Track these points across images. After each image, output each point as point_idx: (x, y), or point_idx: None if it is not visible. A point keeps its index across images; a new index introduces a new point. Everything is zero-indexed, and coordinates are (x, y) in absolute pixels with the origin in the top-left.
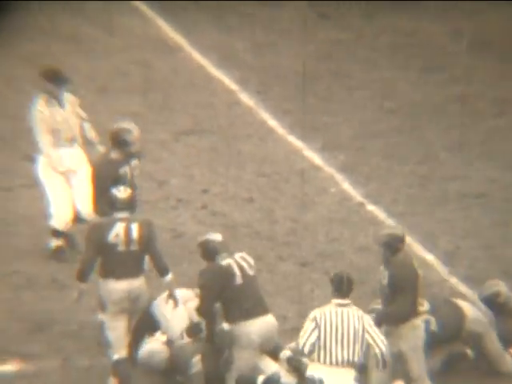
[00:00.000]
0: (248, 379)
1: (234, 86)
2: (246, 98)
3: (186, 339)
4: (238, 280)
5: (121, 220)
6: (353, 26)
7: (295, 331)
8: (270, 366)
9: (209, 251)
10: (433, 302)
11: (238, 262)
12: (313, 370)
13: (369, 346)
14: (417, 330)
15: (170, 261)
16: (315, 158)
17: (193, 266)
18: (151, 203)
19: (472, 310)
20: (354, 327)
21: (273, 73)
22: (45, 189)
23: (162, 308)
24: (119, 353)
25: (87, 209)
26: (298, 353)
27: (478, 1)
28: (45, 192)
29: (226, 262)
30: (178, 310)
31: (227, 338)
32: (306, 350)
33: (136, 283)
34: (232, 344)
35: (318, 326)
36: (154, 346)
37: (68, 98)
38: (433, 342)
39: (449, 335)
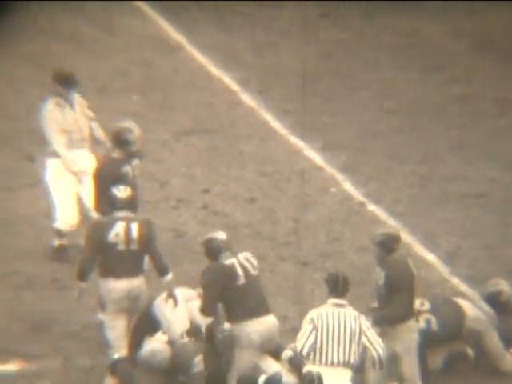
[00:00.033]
0: (249, 379)
1: (234, 86)
2: (247, 98)
3: (187, 339)
4: (241, 280)
5: (121, 219)
6: (353, 26)
7: (296, 331)
8: (271, 366)
9: (212, 250)
10: (433, 302)
11: (242, 262)
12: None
13: (365, 347)
14: (412, 331)
15: (171, 261)
16: (316, 158)
17: (194, 266)
18: (152, 203)
19: (472, 309)
20: (351, 328)
21: (273, 73)
22: (51, 190)
23: (163, 308)
24: (119, 352)
25: None
26: (297, 354)
27: (479, 1)
28: (50, 194)
29: (229, 261)
30: (178, 310)
31: (227, 338)
32: (305, 352)
33: (136, 282)
34: (233, 344)
35: (315, 327)
36: (155, 345)
37: (77, 99)
38: (433, 341)
39: (449, 334)
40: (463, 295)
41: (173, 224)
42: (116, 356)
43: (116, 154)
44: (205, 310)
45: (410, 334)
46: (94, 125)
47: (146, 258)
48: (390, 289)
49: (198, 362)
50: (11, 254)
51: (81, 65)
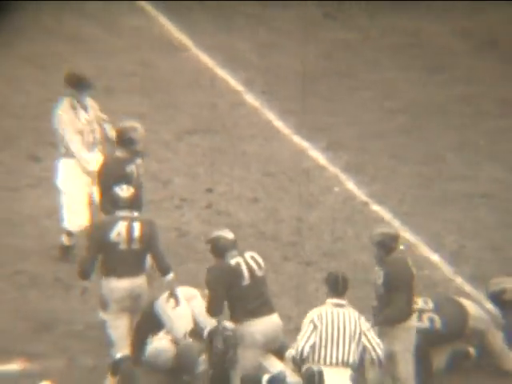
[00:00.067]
0: (253, 378)
1: (238, 87)
2: (250, 98)
3: (190, 339)
4: (246, 280)
5: (123, 219)
6: (355, 27)
7: (299, 331)
8: (275, 366)
9: (218, 248)
10: (436, 301)
11: (248, 261)
12: None
13: (365, 348)
14: (411, 331)
15: (174, 260)
16: (319, 158)
17: (197, 266)
18: (155, 203)
19: (475, 308)
20: (351, 328)
21: (277, 73)
22: (61, 191)
23: (165, 307)
24: (121, 351)
25: None
26: (296, 355)
27: (481, 1)
28: (61, 194)
29: (234, 260)
30: (180, 309)
31: (231, 337)
32: (306, 353)
33: (138, 282)
34: (237, 343)
35: (315, 327)
36: (160, 345)
37: (90, 101)
38: (437, 340)
39: (453, 333)
40: (467, 295)
41: (176, 223)
42: (118, 355)
43: (120, 154)
44: (211, 310)
45: (408, 334)
46: (108, 127)
47: (148, 258)
48: (389, 288)
49: (203, 362)
50: (15, 253)
51: (84, 65)
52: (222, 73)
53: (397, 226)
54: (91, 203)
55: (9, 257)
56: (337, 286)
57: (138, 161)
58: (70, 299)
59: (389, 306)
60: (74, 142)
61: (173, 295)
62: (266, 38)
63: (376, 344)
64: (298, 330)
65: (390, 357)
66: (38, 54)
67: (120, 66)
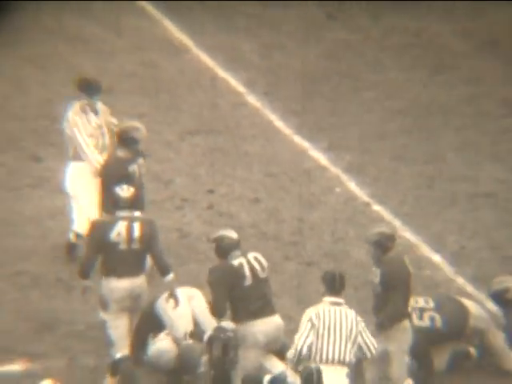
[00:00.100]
0: (254, 379)
1: (240, 87)
2: (252, 99)
3: (190, 340)
4: (248, 281)
5: (123, 219)
6: (359, 27)
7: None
8: (276, 366)
9: (222, 248)
10: (437, 300)
11: (251, 262)
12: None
13: (360, 347)
14: (406, 332)
15: (175, 261)
16: (321, 159)
17: (199, 266)
18: (157, 203)
19: (476, 308)
20: (347, 327)
21: (279, 74)
22: (70, 194)
23: (166, 307)
24: (121, 351)
25: None
26: (295, 354)
27: (483, 1)
28: (69, 198)
29: (237, 261)
30: (180, 310)
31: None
32: (304, 351)
33: (138, 282)
34: (237, 344)
35: (313, 326)
36: (162, 345)
37: (100, 106)
38: (438, 339)
39: (453, 332)
40: (469, 296)
41: (177, 224)
42: (118, 355)
43: (122, 153)
44: (215, 311)
45: (403, 334)
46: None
47: (148, 258)
48: (386, 287)
49: (204, 362)
50: (16, 254)
51: (86, 65)
52: (224, 73)
53: (398, 226)
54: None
55: (10, 257)
56: (334, 285)
57: (140, 160)
58: (72, 300)
59: (386, 305)
60: (87, 145)
61: (172, 295)
62: (267, 39)
63: (371, 343)
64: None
65: (384, 356)
66: (39, 54)
67: (121, 66)
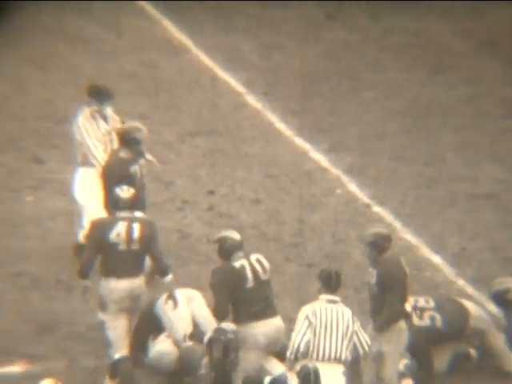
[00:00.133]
0: (255, 380)
1: (240, 88)
2: (252, 100)
3: (189, 342)
4: (249, 283)
5: (123, 219)
6: (359, 27)
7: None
8: (276, 368)
9: (225, 249)
10: (437, 300)
11: (253, 264)
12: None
13: (354, 345)
14: (402, 333)
15: (176, 262)
16: (321, 160)
17: (199, 268)
18: (158, 204)
19: (476, 308)
20: (344, 325)
21: (278, 74)
22: (79, 199)
23: (166, 309)
24: (120, 352)
25: None
26: (292, 352)
27: (482, 1)
28: (77, 203)
29: (239, 263)
30: (179, 311)
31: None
32: (302, 349)
33: (137, 282)
34: (238, 346)
35: (310, 323)
36: (163, 347)
37: (110, 113)
38: (438, 339)
39: (454, 332)
40: (469, 297)
41: (178, 225)
42: (117, 356)
43: (124, 154)
44: (218, 313)
45: (399, 335)
46: None
47: (148, 259)
48: (382, 288)
49: (205, 364)
50: (17, 254)
51: (86, 66)
52: (224, 74)
53: (398, 227)
54: None
55: (10, 258)
56: (330, 282)
57: (141, 161)
58: (72, 301)
59: (382, 305)
60: (96, 148)
61: (171, 297)
62: (266, 39)
63: (364, 341)
64: None
65: (378, 357)
66: (39, 54)
67: (121, 66)
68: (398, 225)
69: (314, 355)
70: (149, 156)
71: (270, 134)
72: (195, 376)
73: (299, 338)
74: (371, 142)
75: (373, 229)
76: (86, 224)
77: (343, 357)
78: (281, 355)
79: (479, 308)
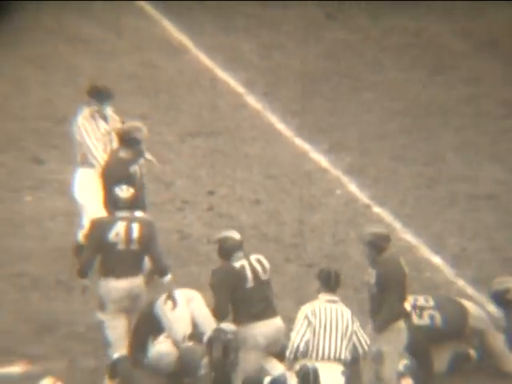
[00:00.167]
0: (254, 380)
1: (240, 88)
2: (252, 100)
3: (189, 342)
4: (249, 283)
5: (122, 219)
6: (359, 27)
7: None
8: (276, 368)
9: (225, 249)
10: (437, 300)
11: (253, 264)
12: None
13: (354, 344)
14: (401, 333)
15: (176, 262)
16: (321, 160)
17: (199, 268)
18: (157, 205)
19: (475, 308)
20: (343, 324)
21: (279, 74)
22: (79, 200)
23: (165, 309)
24: (119, 351)
25: None
26: (291, 352)
27: (482, 1)
28: (77, 203)
29: (239, 263)
30: (178, 312)
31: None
32: (301, 348)
33: (136, 282)
34: (238, 346)
35: (310, 323)
36: (162, 348)
37: (110, 113)
38: (437, 338)
39: (453, 331)
40: (469, 298)
41: (178, 226)
42: (115, 356)
43: (124, 154)
44: (218, 314)
45: (398, 335)
46: None
47: (146, 258)
48: (381, 288)
49: (205, 364)
50: (17, 255)
51: (86, 66)
52: (224, 74)
53: (398, 228)
54: None
55: (10, 258)
56: (329, 282)
57: (141, 161)
58: (72, 301)
59: (381, 305)
60: (96, 148)
61: (170, 297)
62: (266, 39)
63: (364, 340)
64: None
65: (377, 356)
66: (39, 54)
67: (121, 66)
68: (397, 225)
69: (314, 355)
70: (148, 155)
71: (269, 135)
72: (195, 376)
73: (299, 337)
74: (371, 143)
75: (371, 229)
76: (86, 224)
77: (342, 356)
78: (281, 355)
79: (478, 308)
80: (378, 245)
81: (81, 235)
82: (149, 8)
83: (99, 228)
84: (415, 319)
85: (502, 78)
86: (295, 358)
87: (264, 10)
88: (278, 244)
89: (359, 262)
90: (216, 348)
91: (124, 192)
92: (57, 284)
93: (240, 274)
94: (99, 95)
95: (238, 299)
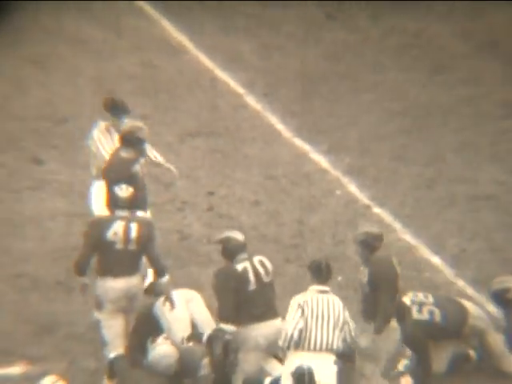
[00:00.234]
0: (254, 381)
1: (239, 89)
2: (251, 101)
3: (188, 343)
4: (252, 286)
5: (120, 218)
6: (359, 27)
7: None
8: (276, 369)
9: (228, 250)
10: (436, 298)
11: (255, 266)
12: (293, 358)
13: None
14: (392, 333)
15: (176, 263)
16: (321, 161)
17: (199, 269)
18: (157, 205)
19: (475, 308)
20: (335, 314)
21: (278, 75)
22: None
23: (164, 310)
24: (116, 350)
25: None
26: (285, 340)
27: (482, 1)
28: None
29: (242, 265)
30: (177, 313)
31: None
32: (295, 336)
33: (133, 281)
34: (237, 347)
35: (303, 312)
36: (162, 349)
37: None
38: (436, 333)
39: (452, 328)
40: (469, 298)
41: (177, 226)
42: (112, 355)
43: (125, 154)
44: (223, 316)
45: (389, 335)
46: (151, 153)
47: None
48: (373, 287)
49: (205, 365)
50: (17, 255)
51: (86, 66)
52: (224, 75)
53: (398, 228)
54: None
55: (10, 259)
56: (320, 273)
57: (142, 160)
58: (72, 302)
59: (374, 305)
60: None
61: (168, 298)
62: (266, 39)
63: (352, 328)
64: None
65: (363, 353)
66: (39, 54)
67: (121, 67)
68: (397, 225)
69: (306, 345)
70: (169, 165)
71: (269, 135)
72: (195, 377)
73: (292, 325)
74: (371, 143)
75: (364, 228)
76: None
77: (335, 346)
78: (281, 356)
79: (478, 308)
80: (370, 244)
81: None
82: (148, 8)
83: (98, 226)
84: (415, 314)
85: (502, 78)
86: (288, 347)
87: (264, 10)
88: (277, 245)
89: (359, 263)
90: (216, 345)
91: (123, 191)
92: (56, 285)
93: (242, 277)
94: (115, 109)
95: (240, 301)
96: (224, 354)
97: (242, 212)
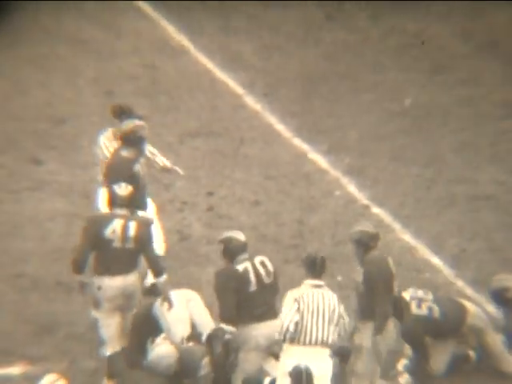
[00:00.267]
0: (254, 381)
1: (239, 89)
2: (251, 101)
3: (188, 343)
4: (252, 287)
5: (119, 216)
6: (359, 28)
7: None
8: (276, 369)
9: (229, 250)
10: (436, 296)
11: (256, 267)
12: (289, 353)
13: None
14: (388, 332)
15: (175, 263)
16: (321, 161)
17: (198, 269)
18: (157, 205)
19: (474, 308)
20: (330, 309)
21: (278, 75)
22: None
23: (163, 310)
24: (113, 348)
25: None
26: (281, 334)
27: (482, 1)
28: None
29: (243, 266)
30: (176, 313)
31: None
32: (292, 329)
33: (130, 279)
34: (237, 347)
35: (298, 306)
36: (162, 350)
37: None
38: (434, 329)
39: (450, 326)
40: (468, 298)
41: (177, 226)
42: (109, 352)
43: (126, 153)
44: (224, 317)
45: (386, 333)
46: (159, 159)
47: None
48: (368, 286)
49: (205, 365)
50: (16, 256)
51: (86, 67)
52: (224, 75)
53: (398, 228)
54: None
55: (10, 259)
56: (314, 267)
57: (142, 160)
58: (71, 302)
59: (369, 305)
60: None
61: (166, 298)
62: (266, 40)
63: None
64: None
65: (356, 349)
66: (39, 54)
67: (120, 67)
68: (397, 226)
69: (302, 339)
70: (175, 167)
71: (269, 135)
72: (195, 377)
73: (288, 318)
74: (371, 143)
75: (359, 226)
76: None
77: (330, 340)
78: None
79: (477, 308)
80: (365, 243)
81: None
82: (148, 8)
83: (95, 224)
84: (414, 309)
85: (502, 78)
86: (284, 341)
87: (264, 10)
88: (277, 245)
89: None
90: (216, 344)
91: (122, 189)
92: (56, 285)
93: (243, 278)
94: (122, 115)
95: (241, 301)
96: (224, 353)
97: (241, 212)
